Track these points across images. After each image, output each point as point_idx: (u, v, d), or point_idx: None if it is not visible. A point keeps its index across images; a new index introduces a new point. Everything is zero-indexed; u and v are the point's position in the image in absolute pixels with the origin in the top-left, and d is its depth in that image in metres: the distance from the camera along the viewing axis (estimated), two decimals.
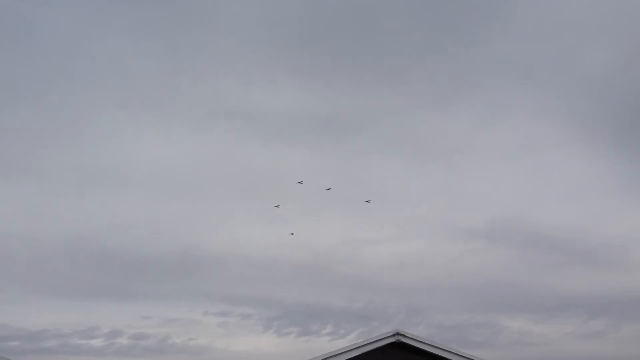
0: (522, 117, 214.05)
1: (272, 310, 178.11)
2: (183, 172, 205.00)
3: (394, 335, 60.64)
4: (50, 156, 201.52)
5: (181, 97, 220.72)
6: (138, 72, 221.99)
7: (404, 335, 60.36)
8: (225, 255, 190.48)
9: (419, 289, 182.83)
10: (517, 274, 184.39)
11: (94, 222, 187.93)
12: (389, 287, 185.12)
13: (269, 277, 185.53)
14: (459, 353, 61.31)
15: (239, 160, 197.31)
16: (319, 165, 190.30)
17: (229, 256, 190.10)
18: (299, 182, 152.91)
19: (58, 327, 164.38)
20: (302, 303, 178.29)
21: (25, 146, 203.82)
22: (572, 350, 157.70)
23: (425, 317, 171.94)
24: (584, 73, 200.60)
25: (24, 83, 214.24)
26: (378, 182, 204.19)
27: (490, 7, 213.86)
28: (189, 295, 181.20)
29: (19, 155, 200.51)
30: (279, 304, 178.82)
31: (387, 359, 62.95)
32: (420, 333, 63.57)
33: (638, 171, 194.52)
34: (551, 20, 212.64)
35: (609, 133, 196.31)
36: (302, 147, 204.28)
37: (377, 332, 63.51)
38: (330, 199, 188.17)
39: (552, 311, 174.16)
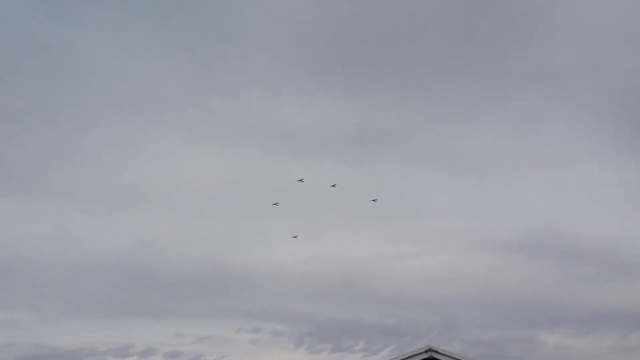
0: (555, 128, 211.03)
1: (304, 327, 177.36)
2: (214, 189, 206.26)
3: (426, 351, 59.73)
4: (84, 176, 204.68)
5: (212, 115, 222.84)
6: (169, 90, 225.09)
7: (436, 352, 59.38)
8: (256, 272, 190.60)
9: (453, 303, 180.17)
10: (554, 288, 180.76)
11: (126, 241, 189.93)
12: (422, 302, 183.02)
13: (300, 292, 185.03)
14: None
15: (270, 176, 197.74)
16: (350, 180, 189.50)
17: (260, 272, 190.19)
18: (300, 180, 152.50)
19: (93, 345, 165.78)
20: (333, 319, 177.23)
21: (59, 167, 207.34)
22: None
23: (460, 333, 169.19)
24: (618, 82, 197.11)
25: (57, 105, 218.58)
26: (410, 196, 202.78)
27: (520, 19, 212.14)
28: (222, 312, 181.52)
29: (53, 177, 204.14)
30: (311, 320, 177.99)
31: None
32: (454, 349, 62.37)
33: None
34: (583, 30, 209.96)
35: None
36: (333, 162, 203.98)
37: (409, 348, 62.56)
38: (360, 213, 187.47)
39: (590, 325, 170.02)
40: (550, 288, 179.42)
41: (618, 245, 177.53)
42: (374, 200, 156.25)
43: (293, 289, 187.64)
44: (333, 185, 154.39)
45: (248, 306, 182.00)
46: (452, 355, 59.42)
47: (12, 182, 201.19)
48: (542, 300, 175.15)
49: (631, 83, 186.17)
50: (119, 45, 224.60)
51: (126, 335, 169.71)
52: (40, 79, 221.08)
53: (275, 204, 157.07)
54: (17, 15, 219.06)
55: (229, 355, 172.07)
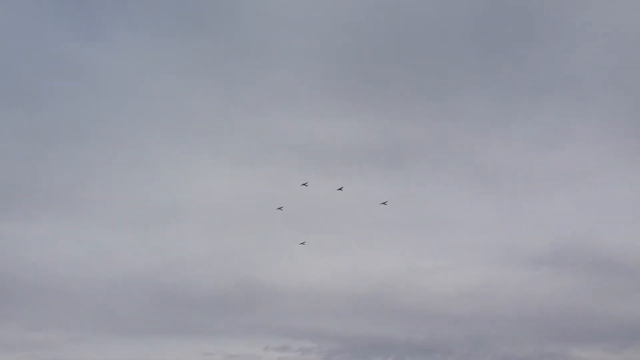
0: (585, 138, 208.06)
1: (333, 344, 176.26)
2: (241, 206, 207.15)
3: None
4: (111, 196, 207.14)
5: (237, 132, 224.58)
6: (194, 108, 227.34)
7: None
8: (284, 289, 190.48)
9: (483, 318, 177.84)
10: (587, 301, 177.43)
11: (154, 259, 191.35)
12: (451, 318, 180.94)
13: (329, 309, 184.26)
14: None
15: (295, 192, 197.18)
16: (377, 196, 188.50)
17: (288, 289, 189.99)
18: (304, 184, 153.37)
19: None
20: (362, 335, 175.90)
21: (88, 187, 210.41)
22: None
23: (491, 349, 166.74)
24: None
25: (85, 125, 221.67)
26: (437, 210, 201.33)
27: (547, 31, 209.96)
28: (250, 330, 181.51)
29: (82, 197, 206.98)
30: (339, 337, 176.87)
31: None
32: None
33: None
34: (611, 40, 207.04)
35: None
36: (361, 178, 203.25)
37: None
38: (388, 228, 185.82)
39: (626, 340, 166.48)
40: (582, 302, 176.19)
41: None
42: (384, 203, 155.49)
43: (321, 305, 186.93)
44: (340, 189, 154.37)
45: (276, 323, 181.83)
46: None
47: (42, 203, 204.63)
48: (574, 315, 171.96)
49: None
50: (145, 66, 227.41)
51: (155, 353, 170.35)
52: (68, 99, 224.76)
53: (279, 208, 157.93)
54: (46, 37, 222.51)
55: None
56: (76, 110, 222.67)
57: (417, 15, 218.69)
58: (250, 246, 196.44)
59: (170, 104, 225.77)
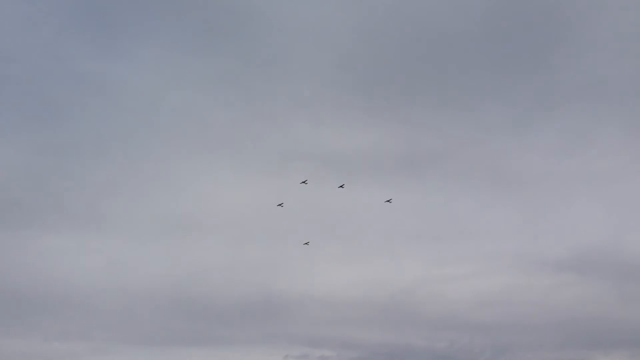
0: (607, 143, 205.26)
1: (352, 352, 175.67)
2: (260, 216, 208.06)
3: None
4: (134, 208, 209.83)
5: (258, 144, 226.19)
6: (215, 120, 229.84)
7: None
8: (304, 298, 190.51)
9: (505, 325, 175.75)
10: (611, 308, 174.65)
11: (176, 270, 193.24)
12: (473, 325, 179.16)
13: (349, 317, 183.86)
14: None
15: (315, 201, 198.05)
16: (396, 203, 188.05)
17: (308, 298, 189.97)
18: (303, 182, 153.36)
19: None
20: (382, 344, 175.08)
21: (110, 199, 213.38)
22: None
23: (513, 356, 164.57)
24: None
25: (107, 138, 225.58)
26: (458, 216, 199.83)
27: (565, 33, 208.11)
28: (269, 339, 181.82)
29: (104, 209, 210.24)
30: (359, 346, 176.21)
31: None
32: None
33: None
34: (631, 41, 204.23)
35: None
36: (379, 185, 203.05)
37: None
38: (408, 235, 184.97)
39: None
40: (605, 308, 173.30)
41: None
42: (388, 201, 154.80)
43: (341, 314, 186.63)
44: (341, 186, 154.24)
45: (296, 332, 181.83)
46: None
47: (66, 216, 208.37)
48: (597, 321, 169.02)
49: None
50: (167, 80, 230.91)
51: None
52: (91, 113, 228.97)
53: (280, 205, 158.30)
54: (69, 53, 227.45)
55: None
56: (99, 125, 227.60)
57: (436, 25, 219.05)
58: (270, 256, 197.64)
59: (192, 117, 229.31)
